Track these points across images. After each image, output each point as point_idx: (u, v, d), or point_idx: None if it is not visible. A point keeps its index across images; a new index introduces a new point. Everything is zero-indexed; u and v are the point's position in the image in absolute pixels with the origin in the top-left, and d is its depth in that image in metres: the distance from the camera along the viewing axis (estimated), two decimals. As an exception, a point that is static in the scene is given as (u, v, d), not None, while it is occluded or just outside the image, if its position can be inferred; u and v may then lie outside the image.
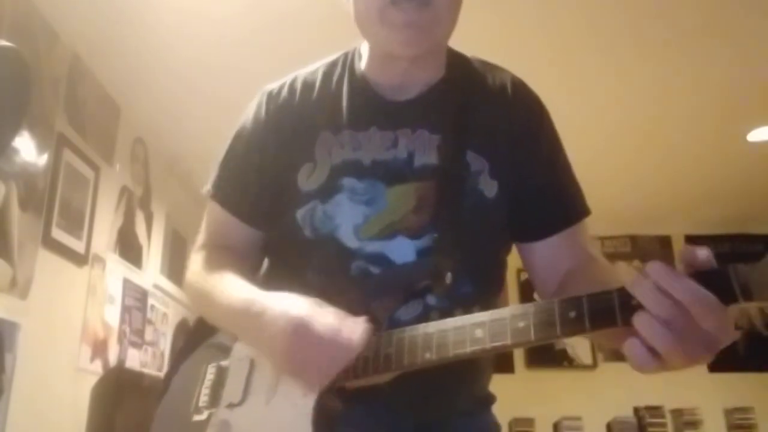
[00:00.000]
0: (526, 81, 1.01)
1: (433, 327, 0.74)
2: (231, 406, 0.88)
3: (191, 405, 0.93)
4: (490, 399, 1.00)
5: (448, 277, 0.83)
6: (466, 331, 0.71)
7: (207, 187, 1.04)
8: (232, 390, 0.89)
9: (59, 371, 2.35)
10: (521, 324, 0.67)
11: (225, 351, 0.95)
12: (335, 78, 1.00)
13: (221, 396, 0.91)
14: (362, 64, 0.99)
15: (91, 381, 2.50)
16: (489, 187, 0.91)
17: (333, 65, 1.03)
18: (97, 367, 2.60)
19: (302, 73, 1.03)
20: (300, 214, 0.92)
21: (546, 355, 4.50)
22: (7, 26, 2.07)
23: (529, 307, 0.68)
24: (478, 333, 0.70)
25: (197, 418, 0.91)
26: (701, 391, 4.35)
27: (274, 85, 1.04)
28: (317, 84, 1.00)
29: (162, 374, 3.30)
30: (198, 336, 1.03)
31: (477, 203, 0.90)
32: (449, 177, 0.90)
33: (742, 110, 3.18)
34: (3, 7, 2.06)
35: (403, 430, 0.89)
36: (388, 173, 0.91)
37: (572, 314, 0.64)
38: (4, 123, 2.06)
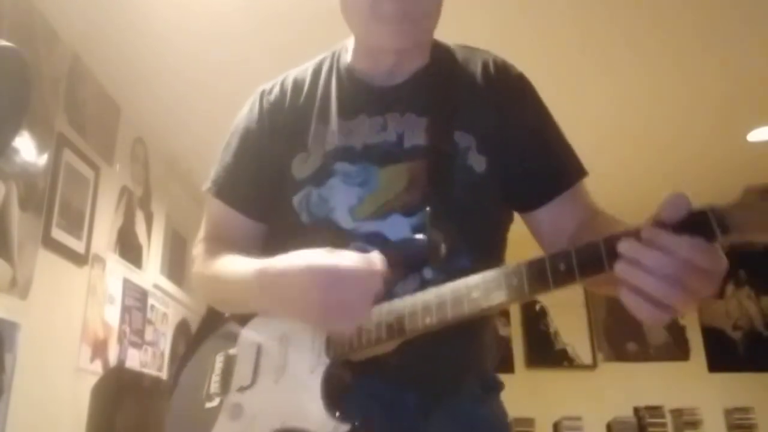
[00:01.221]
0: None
1: (431, 293, 0.78)
2: (242, 389, 0.91)
3: (203, 393, 0.96)
4: (497, 385, 1.01)
5: (443, 249, 0.87)
6: (463, 293, 0.75)
7: (207, 184, 1.08)
8: (241, 374, 0.93)
9: (59, 371, 2.35)
10: (515, 281, 0.71)
11: (232, 339, 0.98)
12: (324, 73, 1.05)
13: (231, 381, 0.94)
14: (348, 57, 1.04)
15: (91, 381, 2.50)
16: (478, 163, 0.94)
17: (321, 62, 1.08)
18: (97, 367, 2.60)
19: (293, 71, 1.09)
20: (296, 200, 0.96)
21: (546, 355, 4.50)
22: (7, 26, 2.07)
23: (521, 264, 0.72)
24: (475, 294, 0.74)
25: (209, 405, 0.94)
26: (701, 391, 4.35)
27: (267, 85, 1.09)
28: (307, 80, 1.05)
29: (162, 374, 3.30)
30: (206, 329, 1.06)
31: (467, 178, 0.94)
32: (438, 156, 0.94)
33: (742, 110, 3.18)
34: (3, 7, 2.06)
35: (406, 408, 0.90)
36: (379, 155, 0.95)
37: (562, 266, 0.68)
38: (4, 123, 2.06)
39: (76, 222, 2.48)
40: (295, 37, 2.38)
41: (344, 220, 0.92)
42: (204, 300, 1.07)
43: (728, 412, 4.31)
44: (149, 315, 3.22)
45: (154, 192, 3.35)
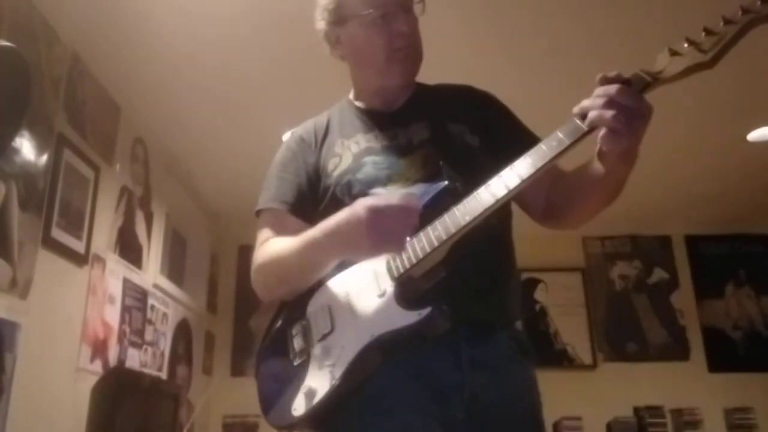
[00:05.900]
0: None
1: (460, 204, 1.00)
2: (324, 336, 1.07)
3: (289, 357, 1.11)
4: (530, 350, 1.17)
5: (459, 186, 1.06)
6: (488, 188, 0.99)
7: (259, 206, 1.27)
8: (319, 328, 1.09)
9: (59, 371, 2.35)
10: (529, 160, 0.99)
11: (299, 317, 1.13)
12: (338, 112, 1.33)
13: (312, 336, 1.10)
14: (358, 104, 1.33)
15: (91, 381, 2.49)
16: (473, 140, 1.22)
17: (332, 111, 1.35)
18: (97, 367, 2.60)
19: (313, 119, 1.35)
20: (338, 189, 1.19)
21: (546, 355, 4.50)
22: (7, 26, 2.07)
23: (525, 156, 0.98)
24: (496, 186, 0.98)
25: (298, 361, 1.09)
26: (701, 391, 4.35)
27: (296, 128, 1.34)
28: (326, 119, 1.33)
29: (162, 374, 3.30)
30: (274, 321, 1.21)
31: (467, 149, 1.20)
32: (441, 140, 1.20)
33: (742, 110, 3.18)
34: (3, 7, 2.06)
35: (457, 331, 1.03)
36: (397, 151, 1.20)
37: (554, 143, 0.98)
38: (4, 123, 2.06)
39: (76, 222, 2.48)
40: (293, 42, 2.38)
41: (381, 191, 1.13)
42: (269, 290, 1.20)
43: (728, 412, 4.31)
44: (149, 315, 3.22)
45: (154, 192, 3.35)
